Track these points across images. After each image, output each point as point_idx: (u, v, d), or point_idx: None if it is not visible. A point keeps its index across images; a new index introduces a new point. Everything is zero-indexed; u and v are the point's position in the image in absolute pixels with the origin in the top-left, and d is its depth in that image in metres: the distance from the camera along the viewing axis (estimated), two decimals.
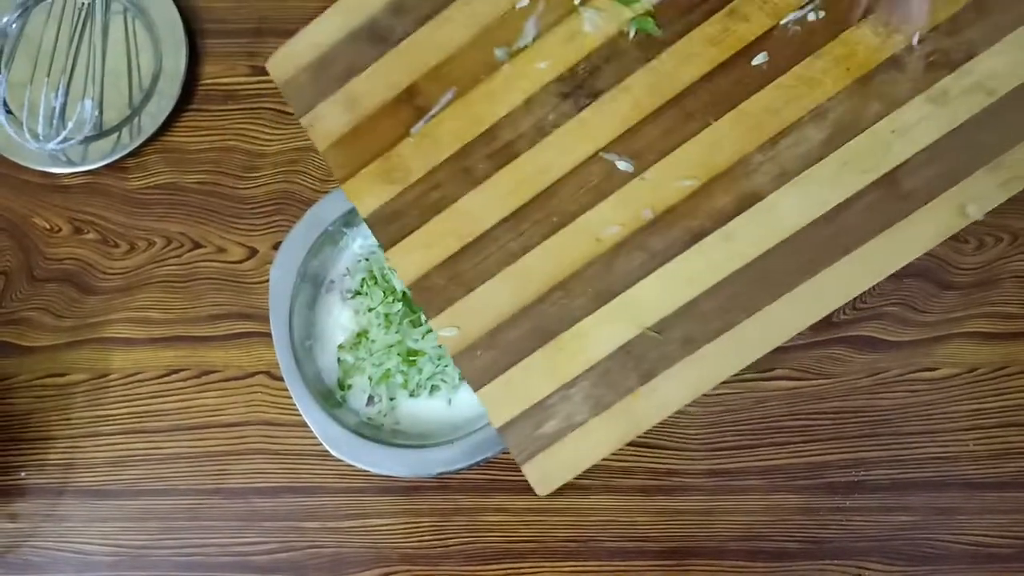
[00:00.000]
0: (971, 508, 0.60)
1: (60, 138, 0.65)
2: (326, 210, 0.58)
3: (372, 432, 0.57)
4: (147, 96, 0.67)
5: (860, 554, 0.60)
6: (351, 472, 0.60)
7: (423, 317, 0.58)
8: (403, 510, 0.61)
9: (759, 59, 0.45)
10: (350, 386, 0.59)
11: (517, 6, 0.49)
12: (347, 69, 0.50)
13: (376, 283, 0.59)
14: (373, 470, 0.54)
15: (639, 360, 0.46)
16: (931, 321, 0.63)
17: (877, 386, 0.62)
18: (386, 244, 0.48)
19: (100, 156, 0.66)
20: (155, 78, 0.67)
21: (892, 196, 0.46)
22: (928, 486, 0.61)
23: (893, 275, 0.62)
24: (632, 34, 0.49)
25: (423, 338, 0.58)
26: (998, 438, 0.61)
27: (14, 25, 0.68)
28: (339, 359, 0.59)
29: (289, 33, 0.66)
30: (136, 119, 0.67)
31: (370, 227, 0.49)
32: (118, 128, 0.67)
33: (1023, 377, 0.62)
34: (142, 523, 0.61)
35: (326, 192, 0.59)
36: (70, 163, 0.66)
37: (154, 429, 0.63)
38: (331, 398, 0.58)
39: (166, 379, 0.63)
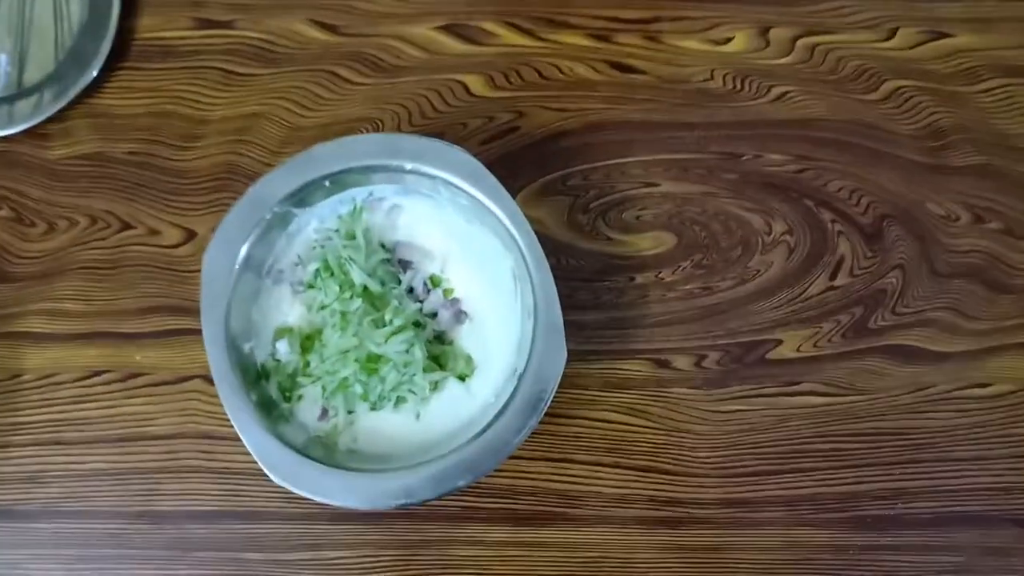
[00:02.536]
0: None
1: None
2: (274, 186, 0.49)
3: (323, 453, 0.48)
4: (74, 52, 0.59)
5: None
6: (301, 496, 0.53)
7: (387, 316, 0.50)
8: (362, 541, 0.54)
9: None
10: (300, 397, 0.50)
11: None
12: None
13: (331, 275, 0.50)
14: (319, 500, 0.46)
15: None
16: (983, 329, 0.57)
17: (920, 404, 0.56)
18: None
19: (17, 120, 0.58)
20: (83, 30, 0.60)
21: None
22: (977, 522, 0.55)
23: (939, 275, 0.56)
24: None
25: (386, 341, 0.49)
26: None
27: None
28: (282, 362, 0.51)
29: None
30: (60, 78, 0.59)
31: None
32: (39, 88, 0.59)
33: None
34: (56, 550, 0.54)
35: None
36: None
37: (72, 440, 0.55)
38: (276, 410, 0.50)
39: (87, 382, 0.56)
